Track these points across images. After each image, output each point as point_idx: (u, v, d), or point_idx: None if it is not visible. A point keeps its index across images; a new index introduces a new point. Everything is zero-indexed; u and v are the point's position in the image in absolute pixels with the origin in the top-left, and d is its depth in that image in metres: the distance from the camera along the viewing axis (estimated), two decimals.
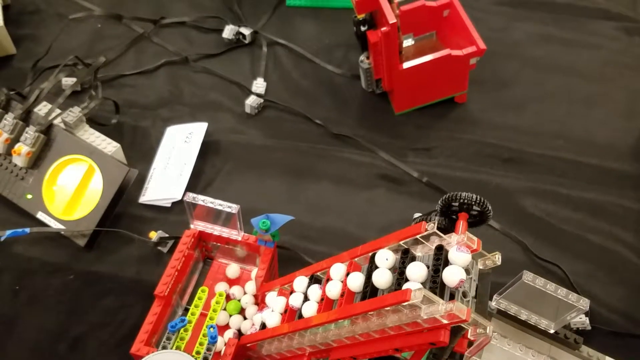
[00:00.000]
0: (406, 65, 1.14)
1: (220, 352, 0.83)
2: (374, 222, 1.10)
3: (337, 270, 0.74)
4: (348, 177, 1.17)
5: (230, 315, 0.92)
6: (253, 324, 0.87)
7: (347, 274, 0.72)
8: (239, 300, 0.93)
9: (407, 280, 0.64)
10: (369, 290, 0.67)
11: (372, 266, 0.69)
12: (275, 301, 0.83)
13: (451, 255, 0.63)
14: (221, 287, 0.94)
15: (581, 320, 0.92)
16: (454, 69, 1.17)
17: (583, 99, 1.28)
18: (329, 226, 1.10)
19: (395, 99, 1.24)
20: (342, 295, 0.71)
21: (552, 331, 0.71)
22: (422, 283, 0.63)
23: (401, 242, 0.68)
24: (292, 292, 0.80)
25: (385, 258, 0.67)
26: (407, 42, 1.27)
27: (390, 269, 0.67)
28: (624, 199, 1.12)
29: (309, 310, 0.74)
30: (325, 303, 0.73)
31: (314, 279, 0.79)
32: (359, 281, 0.70)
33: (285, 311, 0.80)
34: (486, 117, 1.25)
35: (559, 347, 0.76)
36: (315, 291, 0.76)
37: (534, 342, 0.75)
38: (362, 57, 1.21)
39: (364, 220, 1.10)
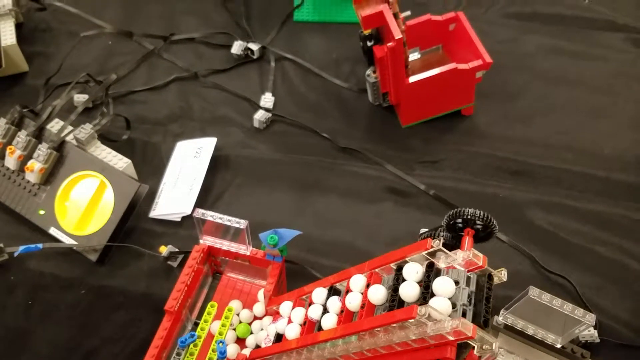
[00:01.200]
0: (412, 79, 1.15)
1: None
2: (381, 236, 1.10)
3: (357, 281, 0.73)
4: (355, 190, 1.17)
5: (238, 338, 0.92)
6: (268, 335, 0.87)
7: (367, 286, 0.71)
8: (250, 324, 0.93)
9: (432, 294, 0.63)
10: (397, 303, 0.66)
11: (400, 278, 0.67)
12: (291, 311, 0.82)
13: None
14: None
15: (590, 333, 0.92)
16: (460, 82, 1.18)
17: (591, 111, 1.28)
18: (336, 240, 1.10)
19: (401, 112, 1.25)
20: (362, 307, 0.71)
21: (559, 346, 0.72)
22: (450, 298, 0.62)
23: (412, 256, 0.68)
24: (310, 303, 0.79)
25: (416, 271, 0.66)
26: (414, 56, 1.28)
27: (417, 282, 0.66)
28: (632, 211, 1.12)
29: (329, 322, 0.74)
30: (346, 315, 0.72)
31: (333, 291, 0.78)
32: (381, 294, 0.69)
33: (304, 323, 0.79)
34: (494, 130, 1.26)
35: None
36: (334, 303, 0.75)
37: (541, 357, 0.75)
38: (368, 71, 1.22)
39: (371, 233, 1.11)
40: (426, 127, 1.26)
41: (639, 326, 0.98)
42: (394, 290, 0.67)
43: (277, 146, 1.25)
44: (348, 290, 0.74)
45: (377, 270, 0.73)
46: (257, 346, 0.88)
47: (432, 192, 1.15)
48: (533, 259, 1.06)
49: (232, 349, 0.88)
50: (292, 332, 0.79)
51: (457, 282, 0.64)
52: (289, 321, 0.81)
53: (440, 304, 0.61)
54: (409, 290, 0.64)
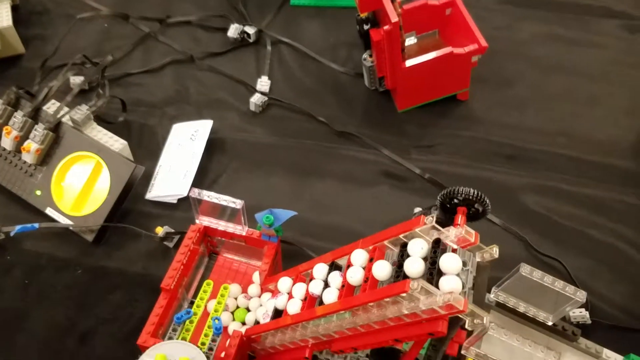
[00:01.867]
0: (409, 63, 1.15)
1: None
2: (377, 219, 1.11)
3: (359, 256, 0.73)
4: (352, 174, 1.18)
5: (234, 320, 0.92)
6: (267, 310, 0.87)
7: (370, 260, 0.71)
8: (247, 309, 0.93)
9: (440, 271, 0.62)
10: (402, 279, 0.64)
11: (404, 254, 0.66)
12: (290, 287, 0.82)
13: None
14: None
15: (581, 314, 0.93)
16: (455, 67, 1.18)
17: (586, 97, 1.28)
18: (333, 223, 1.11)
19: (398, 96, 1.25)
20: (365, 281, 0.70)
21: (550, 323, 0.72)
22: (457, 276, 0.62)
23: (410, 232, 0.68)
24: (311, 279, 0.79)
25: (421, 247, 0.65)
26: (410, 41, 1.28)
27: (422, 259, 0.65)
28: (626, 195, 1.13)
29: (330, 297, 0.73)
30: (347, 289, 0.72)
31: (334, 266, 0.78)
32: (386, 269, 0.67)
33: (305, 298, 0.78)
34: (489, 115, 1.26)
35: (557, 339, 0.76)
36: (336, 278, 0.75)
37: (532, 334, 0.76)
38: (365, 55, 1.22)
39: (367, 216, 1.12)
40: (422, 111, 1.27)
41: (631, 309, 0.99)
42: (398, 266, 0.66)
43: (274, 130, 1.26)
44: (349, 265, 0.73)
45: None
46: (256, 322, 0.89)
47: (427, 175, 1.16)
48: (526, 242, 1.07)
49: (229, 327, 0.88)
50: (294, 307, 0.79)
51: (464, 264, 0.63)
52: (290, 297, 0.81)
53: (451, 282, 0.60)
54: (414, 266, 0.63)
